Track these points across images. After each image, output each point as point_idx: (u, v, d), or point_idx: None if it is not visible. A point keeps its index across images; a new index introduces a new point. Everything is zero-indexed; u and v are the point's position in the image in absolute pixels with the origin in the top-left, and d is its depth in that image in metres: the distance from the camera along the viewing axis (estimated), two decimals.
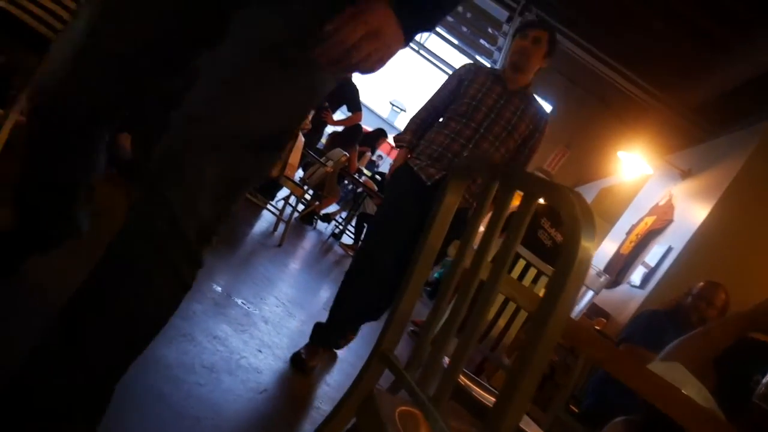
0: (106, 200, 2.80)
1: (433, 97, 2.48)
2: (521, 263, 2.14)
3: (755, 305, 1.58)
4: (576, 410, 2.66)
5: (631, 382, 0.88)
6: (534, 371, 0.67)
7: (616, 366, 0.88)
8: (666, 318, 2.98)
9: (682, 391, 1.26)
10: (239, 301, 2.49)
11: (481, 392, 1.76)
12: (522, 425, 1.86)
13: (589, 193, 8.43)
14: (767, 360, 1.25)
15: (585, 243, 0.69)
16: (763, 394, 1.17)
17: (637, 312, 4.50)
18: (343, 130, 6.88)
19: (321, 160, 5.49)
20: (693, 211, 4.89)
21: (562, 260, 0.68)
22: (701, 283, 3.03)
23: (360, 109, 6.73)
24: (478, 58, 10.73)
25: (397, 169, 2.41)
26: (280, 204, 5.16)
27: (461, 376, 1.94)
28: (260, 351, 2.12)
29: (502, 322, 2.06)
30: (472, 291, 0.85)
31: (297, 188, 4.68)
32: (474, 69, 2.48)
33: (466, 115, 2.34)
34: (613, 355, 0.88)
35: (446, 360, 1.20)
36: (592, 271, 1.87)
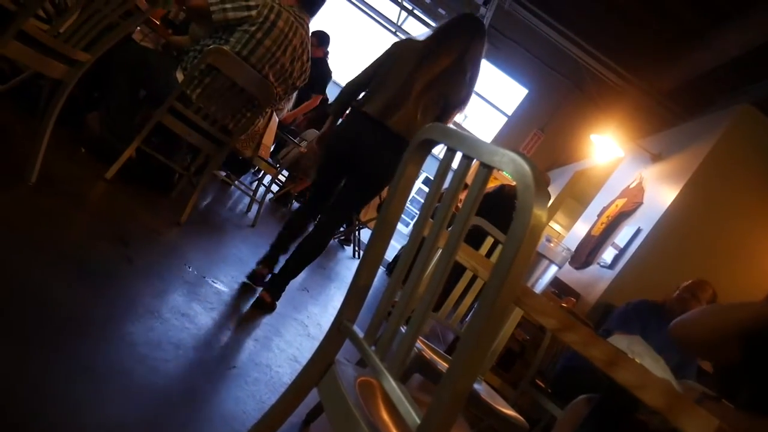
0: (73, 178, 2.75)
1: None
2: (489, 240, 2.17)
3: None
4: (543, 385, 2.71)
5: (584, 350, 0.90)
6: (486, 334, 0.69)
7: (569, 335, 0.90)
8: (648, 309, 2.97)
9: (637, 360, 1.29)
10: (210, 281, 2.47)
11: (447, 365, 1.78)
12: (489, 400, 1.90)
13: (563, 176, 8.51)
14: None
15: (537, 210, 0.70)
16: None
17: (605, 293, 4.60)
18: (317, 112, 6.85)
19: (295, 140, 5.45)
20: (662, 193, 4.99)
21: (515, 226, 0.69)
22: (689, 281, 3.05)
23: (323, 93, 6.78)
24: None
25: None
26: (254, 185, 5.10)
27: (431, 353, 1.96)
28: (231, 330, 2.11)
29: (469, 299, 2.09)
30: (431, 261, 0.86)
31: (270, 168, 4.64)
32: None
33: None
34: (567, 324, 0.89)
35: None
36: (558, 248, 1.90)
